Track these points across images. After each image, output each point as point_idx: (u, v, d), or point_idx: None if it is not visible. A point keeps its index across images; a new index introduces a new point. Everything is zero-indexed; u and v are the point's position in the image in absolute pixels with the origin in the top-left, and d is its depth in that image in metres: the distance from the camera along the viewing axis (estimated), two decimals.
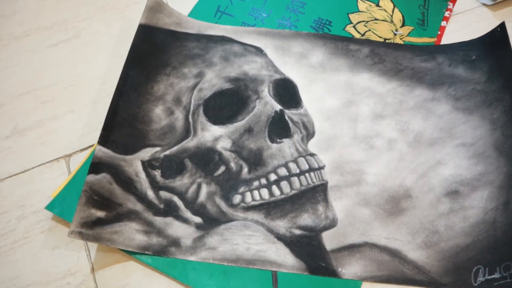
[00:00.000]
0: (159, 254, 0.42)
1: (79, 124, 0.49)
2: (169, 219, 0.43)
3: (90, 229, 0.40)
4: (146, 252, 0.41)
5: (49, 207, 0.43)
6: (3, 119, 0.48)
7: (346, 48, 0.54)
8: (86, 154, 0.46)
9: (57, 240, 0.42)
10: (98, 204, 0.41)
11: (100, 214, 0.41)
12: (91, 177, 0.42)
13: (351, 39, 0.55)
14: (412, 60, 0.54)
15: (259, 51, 0.54)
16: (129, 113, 0.47)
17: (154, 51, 0.51)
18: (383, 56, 0.54)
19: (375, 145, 0.48)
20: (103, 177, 0.43)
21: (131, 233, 0.42)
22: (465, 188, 0.46)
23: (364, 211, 0.45)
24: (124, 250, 0.42)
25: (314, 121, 0.50)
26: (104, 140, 0.44)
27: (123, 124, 0.46)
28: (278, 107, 0.49)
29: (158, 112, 0.48)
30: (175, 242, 0.42)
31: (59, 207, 0.43)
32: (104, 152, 0.44)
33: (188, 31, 0.54)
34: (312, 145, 0.48)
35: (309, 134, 0.49)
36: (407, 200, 0.46)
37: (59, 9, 0.58)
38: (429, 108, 0.50)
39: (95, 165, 0.43)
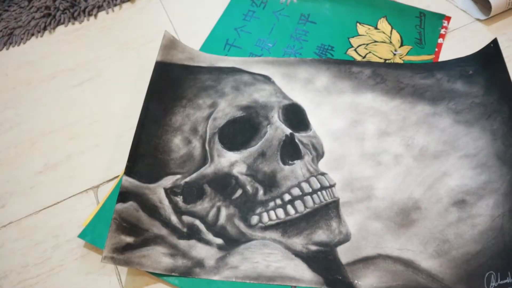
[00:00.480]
0: (184, 275, 0.44)
1: (105, 157, 0.52)
2: (192, 242, 0.46)
3: (121, 254, 0.43)
4: (173, 274, 0.44)
5: (82, 235, 0.46)
6: (35, 156, 0.53)
7: (349, 71, 0.58)
8: (112, 185, 0.50)
9: (90, 266, 0.45)
10: (127, 231, 0.45)
11: (129, 239, 0.44)
12: (120, 206, 0.45)
13: (353, 62, 0.58)
14: (412, 78, 0.57)
15: (267, 79, 0.57)
16: (150, 144, 0.50)
17: (170, 85, 0.56)
18: (384, 76, 0.57)
19: (383, 161, 0.51)
20: (130, 205, 0.46)
21: (158, 256, 0.45)
22: (471, 197, 0.48)
23: (376, 225, 0.47)
24: (152, 273, 0.45)
25: (323, 142, 0.53)
26: (129, 171, 0.48)
27: (146, 155, 0.50)
28: (288, 131, 0.52)
29: (177, 142, 0.52)
30: (199, 263, 0.45)
31: (90, 234, 0.46)
32: (130, 182, 0.47)
33: (200, 65, 0.58)
34: (322, 165, 0.51)
35: (319, 154, 0.52)
36: (417, 212, 0.48)
37: (81, 51, 0.63)
38: (432, 123, 0.53)
39: (122, 194, 0.46)
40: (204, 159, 0.51)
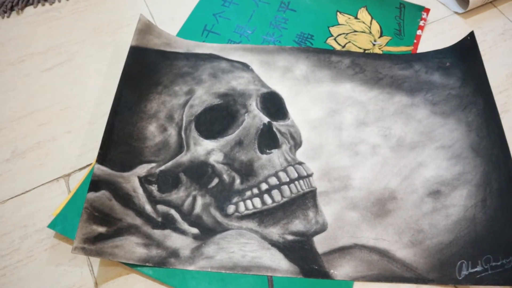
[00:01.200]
0: (159, 265, 0.44)
1: (76, 145, 0.50)
2: (167, 232, 0.45)
3: (93, 245, 0.42)
4: (147, 264, 0.43)
5: (52, 225, 0.44)
6: (2, 143, 0.50)
7: (328, 60, 0.57)
8: (84, 173, 0.48)
9: (60, 257, 0.44)
10: (99, 220, 0.43)
11: (101, 229, 0.43)
12: (91, 195, 0.44)
13: (332, 51, 0.58)
14: (391, 68, 0.57)
15: (245, 66, 0.56)
16: (124, 131, 0.49)
17: (145, 71, 0.54)
18: (363, 66, 0.57)
19: (360, 151, 0.51)
20: (102, 194, 0.44)
21: (132, 246, 0.44)
22: (446, 188, 0.48)
23: (352, 215, 0.47)
24: (126, 263, 0.43)
25: (301, 131, 0.52)
26: (102, 158, 0.46)
27: (119, 142, 0.48)
28: (266, 119, 0.52)
29: (152, 129, 0.50)
30: (174, 253, 0.44)
31: (61, 224, 0.44)
32: (103, 170, 0.46)
33: (177, 50, 0.56)
34: (300, 154, 0.51)
35: (296, 144, 0.52)
36: (393, 202, 0.48)
37: (52, 34, 0.61)
38: (409, 114, 0.53)
39: (94, 183, 0.45)
40: (180, 147, 0.50)
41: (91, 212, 0.43)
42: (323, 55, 0.58)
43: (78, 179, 0.48)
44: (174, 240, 0.45)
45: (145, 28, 0.56)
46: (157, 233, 0.45)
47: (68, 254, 0.43)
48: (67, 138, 0.51)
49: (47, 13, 0.63)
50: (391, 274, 0.44)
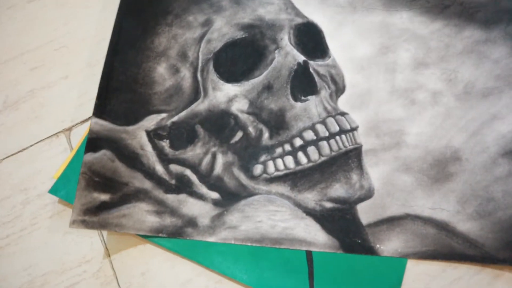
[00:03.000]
0: (174, 236, 0.37)
1: (76, 92, 0.43)
2: (182, 196, 0.38)
3: (95, 216, 0.36)
4: (160, 235, 0.37)
5: (53, 190, 0.38)
6: None
7: None
8: (87, 127, 0.41)
9: (67, 225, 0.38)
10: (100, 186, 0.36)
11: (104, 197, 0.36)
12: (89, 156, 0.37)
13: None
14: None
15: None
16: (127, 75, 0.40)
17: None
18: None
19: (417, 100, 0.41)
20: (103, 155, 0.37)
21: (141, 215, 0.37)
22: None
23: (405, 178, 0.39)
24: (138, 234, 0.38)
25: (344, 73, 0.42)
26: (100, 111, 0.38)
27: (121, 89, 0.40)
28: (301, 58, 0.42)
29: (161, 71, 0.41)
30: (191, 222, 0.38)
31: (63, 189, 0.38)
32: (102, 125, 0.38)
33: None
34: (342, 103, 0.41)
35: (338, 89, 0.42)
36: (456, 164, 0.39)
37: None
38: (482, 52, 0.42)
39: (92, 142, 0.37)
40: (196, 93, 0.41)
41: (90, 177, 0.36)
42: None
43: (81, 133, 0.41)
44: (191, 206, 0.38)
45: None
46: (171, 198, 0.38)
47: None
48: (65, 85, 0.43)
49: None
50: (450, 251, 0.37)
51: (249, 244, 0.37)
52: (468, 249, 0.37)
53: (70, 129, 0.42)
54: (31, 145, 0.41)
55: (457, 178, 0.39)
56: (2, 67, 0.44)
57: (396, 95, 0.42)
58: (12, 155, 0.41)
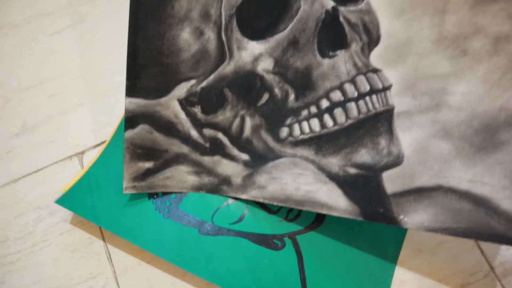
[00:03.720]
0: (212, 192, 0.42)
1: (90, 119, 0.46)
2: (217, 158, 0.42)
3: (143, 181, 0.42)
4: (200, 191, 0.42)
5: (60, 201, 0.43)
6: (11, 115, 0.48)
7: None
8: (98, 151, 0.45)
9: (76, 242, 0.43)
10: (144, 156, 0.42)
11: (148, 165, 0.42)
12: (129, 133, 0.41)
13: None
14: None
15: None
16: (151, 49, 0.41)
17: None
18: None
19: (470, 50, 0.33)
20: (141, 129, 0.41)
21: (183, 175, 0.42)
22: None
23: (442, 146, 0.34)
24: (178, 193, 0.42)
25: (380, 20, 0.35)
26: (132, 90, 0.41)
27: (148, 64, 0.41)
28: (330, 4, 0.36)
29: (186, 36, 0.41)
30: (226, 181, 0.42)
31: (69, 201, 0.43)
32: (135, 103, 0.41)
33: None
34: (376, 57, 0.36)
35: (372, 40, 0.36)
36: (510, 130, 0.32)
37: None
38: None
39: (129, 120, 0.41)
40: (222, 54, 0.40)
41: (133, 150, 0.41)
42: None
43: (92, 157, 0.45)
44: (225, 167, 0.42)
45: None
46: (207, 159, 0.42)
47: (84, 239, 0.43)
48: (80, 112, 0.47)
49: None
50: (487, 231, 0.33)
51: (275, 203, 0.40)
52: (511, 231, 0.33)
53: (82, 152, 0.46)
54: (46, 167, 0.46)
55: (509, 147, 0.33)
56: (22, 94, 0.48)
57: (443, 44, 0.34)
58: (28, 175, 0.46)
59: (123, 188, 0.41)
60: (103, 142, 0.46)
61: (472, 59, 0.33)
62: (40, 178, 0.45)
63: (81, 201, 0.42)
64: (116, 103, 0.46)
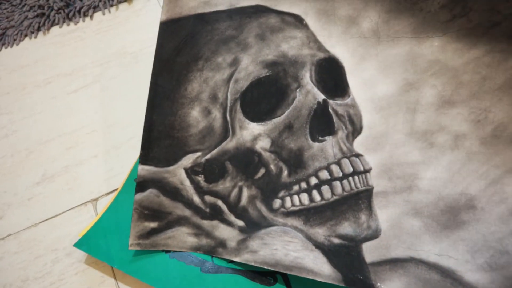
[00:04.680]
0: (209, 253, 0.46)
1: (103, 169, 0.52)
2: (215, 222, 0.46)
3: (147, 239, 0.46)
4: (198, 252, 0.47)
5: (77, 244, 0.48)
6: (33, 166, 0.53)
7: None
8: (111, 197, 0.50)
9: (90, 281, 0.48)
10: (150, 217, 0.46)
11: (153, 225, 0.46)
12: (139, 196, 0.46)
13: None
14: None
15: (298, 21, 0.45)
16: (165, 124, 0.47)
17: (181, 47, 0.48)
18: (469, 1, 0.39)
19: (436, 143, 0.40)
20: (150, 193, 0.46)
21: (183, 236, 0.47)
22: None
23: (413, 222, 0.40)
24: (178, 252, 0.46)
25: (363, 114, 0.42)
26: (144, 159, 0.47)
27: (161, 137, 0.47)
28: (321, 97, 0.43)
29: (195, 114, 0.47)
30: (222, 244, 0.46)
31: (86, 245, 0.47)
32: (147, 169, 0.46)
33: (219, 8, 0.47)
34: (358, 144, 0.42)
35: (355, 130, 0.43)
36: (469, 212, 0.38)
37: (77, 55, 0.59)
38: None
39: (140, 184, 0.46)
40: (226, 132, 0.46)
41: (141, 211, 0.46)
42: None
43: (105, 203, 0.50)
44: (222, 231, 0.46)
45: None
46: (206, 223, 0.47)
47: (98, 278, 0.47)
48: (94, 162, 0.53)
49: (72, 33, 0.60)
50: None
51: (265, 267, 0.44)
52: None
53: (96, 199, 0.51)
54: (63, 212, 0.51)
55: (469, 226, 0.38)
56: (42, 146, 0.54)
57: (414, 137, 0.40)
58: (47, 219, 0.51)
59: (129, 245, 0.45)
60: (114, 190, 0.51)
61: (438, 151, 0.40)
62: (58, 222, 0.50)
63: (96, 244, 0.46)
64: (126, 154, 0.51)
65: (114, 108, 0.56)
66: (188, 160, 0.47)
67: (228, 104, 0.47)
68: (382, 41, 0.42)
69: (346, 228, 0.43)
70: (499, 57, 0.39)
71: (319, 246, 0.44)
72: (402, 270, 0.41)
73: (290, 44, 0.45)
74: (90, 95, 0.57)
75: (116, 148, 0.53)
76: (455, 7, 0.40)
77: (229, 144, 0.47)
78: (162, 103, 0.47)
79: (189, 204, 0.47)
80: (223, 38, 0.47)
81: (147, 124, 0.47)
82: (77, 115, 0.56)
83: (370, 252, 0.42)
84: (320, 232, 0.44)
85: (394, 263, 0.41)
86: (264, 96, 0.45)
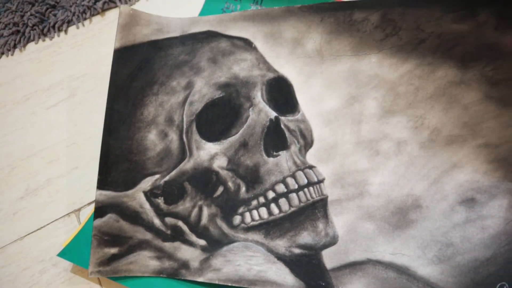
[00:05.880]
0: (172, 276, 0.46)
1: (84, 180, 0.52)
2: (177, 244, 0.46)
3: (107, 266, 0.45)
4: (161, 275, 0.46)
5: (61, 254, 0.48)
6: (16, 181, 0.53)
7: (349, 20, 0.45)
8: (93, 207, 0.50)
9: None
10: (110, 243, 0.46)
11: (114, 250, 0.45)
12: (98, 221, 0.46)
13: (355, 3, 0.45)
14: (441, 20, 0.43)
15: (248, 44, 0.48)
16: (122, 148, 0.47)
17: (136, 72, 0.49)
18: (398, 22, 0.44)
19: (381, 150, 0.43)
20: (109, 218, 0.46)
21: (145, 260, 0.46)
22: (482, 196, 0.40)
23: (367, 226, 0.43)
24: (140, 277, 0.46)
25: (313, 128, 0.45)
26: (102, 184, 0.46)
27: (118, 161, 0.47)
28: (273, 114, 0.45)
29: (152, 137, 0.48)
30: (185, 265, 0.46)
31: (69, 253, 0.47)
32: (105, 194, 0.46)
33: (171, 35, 0.49)
34: (310, 156, 0.45)
35: (307, 143, 0.45)
36: (416, 211, 0.42)
37: (54, 70, 0.59)
38: (454, 96, 0.42)
39: (98, 210, 0.46)
40: (183, 153, 0.47)
41: (101, 238, 0.45)
42: (342, 12, 0.45)
43: (88, 213, 0.51)
44: (184, 252, 0.46)
45: (130, 21, 0.49)
46: (168, 245, 0.47)
47: (84, 285, 0.47)
48: (75, 174, 0.53)
49: (48, 48, 0.61)
50: None
51: (229, 284, 0.44)
52: None
53: (79, 209, 0.51)
54: (48, 224, 0.51)
55: (417, 225, 0.41)
56: (25, 162, 0.54)
57: (361, 146, 0.44)
58: (32, 232, 0.51)
59: (88, 273, 0.44)
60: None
61: (383, 157, 0.43)
62: (43, 234, 0.50)
63: (79, 253, 0.46)
64: None
65: (93, 120, 0.56)
66: (147, 183, 0.48)
67: (184, 126, 0.48)
68: (325, 60, 0.46)
69: (305, 237, 0.44)
70: (428, 69, 0.43)
71: (281, 257, 0.45)
72: (361, 272, 0.42)
73: (241, 66, 0.47)
74: (69, 108, 0.57)
75: (96, 159, 0.52)
76: (387, 27, 0.45)
77: (187, 164, 0.47)
78: (119, 128, 0.47)
79: (149, 227, 0.47)
80: (176, 63, 0.49)
81: (104, 149, 0.47)
82: (57, 129, 0.56)
83: (330, 258, 0.43)
84: (281, 244, 0.45)
85: (353, 266, 0.43)
86: (219, 116, 0.47)
